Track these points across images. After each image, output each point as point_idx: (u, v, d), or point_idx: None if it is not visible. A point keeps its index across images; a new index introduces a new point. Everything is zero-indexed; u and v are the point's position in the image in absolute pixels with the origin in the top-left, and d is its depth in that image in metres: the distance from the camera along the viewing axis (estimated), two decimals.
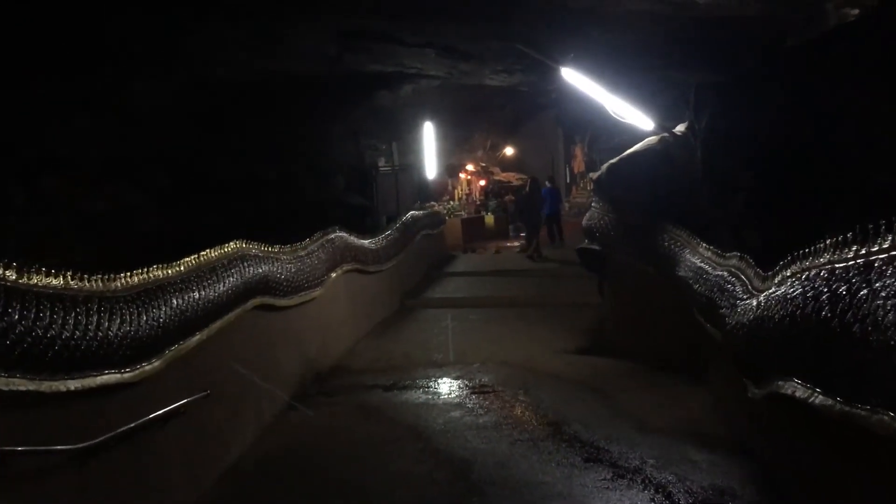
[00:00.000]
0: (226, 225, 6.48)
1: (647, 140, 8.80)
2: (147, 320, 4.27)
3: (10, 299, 3.07)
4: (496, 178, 24.25)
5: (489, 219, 21.21)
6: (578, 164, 25.53)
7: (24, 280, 3.24)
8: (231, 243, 6.08)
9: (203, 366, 5.18)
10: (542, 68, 14.18)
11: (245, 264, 6.10)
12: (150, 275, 4.59)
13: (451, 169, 22.35)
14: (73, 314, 3.49)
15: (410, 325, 11.29)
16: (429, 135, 19.20)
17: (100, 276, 3.97)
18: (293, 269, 7.39)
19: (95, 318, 3.69)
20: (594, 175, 9.23)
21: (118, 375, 3.89)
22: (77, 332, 3.48)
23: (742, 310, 4.19)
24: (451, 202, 21.28)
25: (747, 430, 4.86)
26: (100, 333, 3.69)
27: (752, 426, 4.66)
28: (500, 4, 10.84)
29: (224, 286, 5.54)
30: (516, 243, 19.59)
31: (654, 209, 7.98)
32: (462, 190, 22.73)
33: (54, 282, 3.48)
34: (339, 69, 14.47)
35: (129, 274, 4.33)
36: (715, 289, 5.16)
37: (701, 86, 7.36)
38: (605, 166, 8.93)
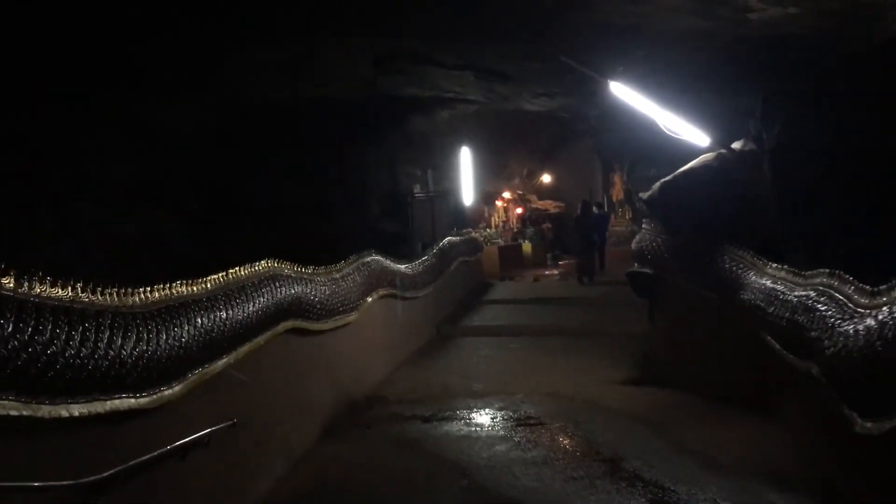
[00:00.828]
0: (257, 250, 6.19)
1: (702, 157, 8.27)
2: (167, 340, 3.85)
3: (3, 309, 2.66)
4: (533, 205, 23.79)
5: (526, 247, 20.74)
6: (617, 192, 24.97)
7: (23, 289, 2.83)
8: (262, 262, 5.69)
9: (229, 392, 4.75)
10: (583, 91, 13.78)
11: (277, 284, 5.70)
12: (173, 291, 4.19)
13: (487, 196, 21.97)
14: (80, 329, 3.07)
15: (448, 353, 10.80)
16: (466, 160, 18.83)
17: (115, 289, 3.56)
18: (327, 292, 6.98)
19: (107, 334, 3.28)
20: (645, 195, 8.70)
21: (132, 400, 3.46)
22: (84, 350, 3.06)
23: (850, 332, 3.63)
24: (488, 229, 20.85)
25: (845, 470, 4.25)
26: (111, 352, 3.27)
27: (853, 466, 4.05)
28: (541, 23, 10.48)
29: (254, 307, 5.13)
30: (555, 271, 19.07)
31: (712, 229, 7.44)
32: (499, 217, 22.29)
33: (60, 293, 3.07)
34: (374, 93, 14.22)
35: (149, 289, 3.92)
36: (799, 311, 4.60)
37: (770, 94, 6.82)
38: (657, 185, 8.40)
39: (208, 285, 4.66)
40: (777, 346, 5.36)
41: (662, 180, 8.33)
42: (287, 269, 6.13)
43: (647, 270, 8.43)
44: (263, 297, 5.34)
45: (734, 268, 6.82)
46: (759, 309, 5.77)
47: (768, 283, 5.76)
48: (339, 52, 12.23)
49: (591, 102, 16.26)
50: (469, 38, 11.62)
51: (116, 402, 3.33)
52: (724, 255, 7.07)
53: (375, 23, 10.90)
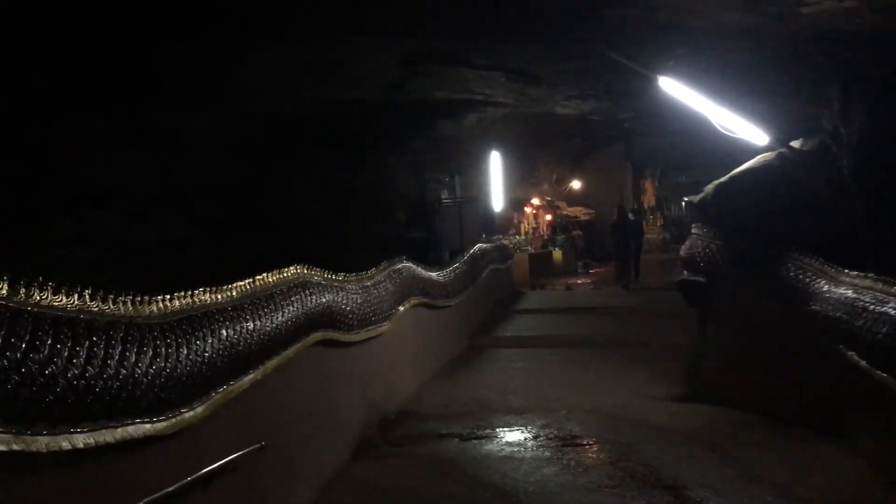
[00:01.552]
0: (278, 259, 5.83)
1: (761, 156, 7.71)
2: (189, 355, 3.39)
3: None
4: (563, 212, 23.23)
5: (557, 254, 20.18)
6: (649, 199, 24.42)
7: (20, 297, 2.38)
8: (291, 268, 5.24)
9: (257, 411, 4.29)
10: (616, 93, 13.25)
11: (307, 292, 5.23)
12: (195, 299, 3.73)
13: (515, 202, 21.46)
14: (86, 345, 2.61)
15: (481, 365, 10.30)
16: (495, 166, 18.35)
17: (130, 297, 3.11)
18: (359, 301, 6.51)
19: (118, 350, 2.82)
20: (695, 198, 8.16)
21: (147, 426, 2.99)
22: (90, 369, 2.60)
23: None
24: (517, 236, 20.33)
25: None
26: (123, 371, 2.80)
27: None
28: (576, 20, 9.99)
29: (283, 316, 4.67)
30: (587, 280, 18.53)
31: (773, 234, 6.88)
32: (528, 224, 21.76)
33: (65, 301, 2.62)
34: (400, 97, 13.80)
35: (168, 297, 3.47)
36: None
37: (849, 84, 6.25)
38: (710, 186, 7.85)
39: (234, 293, 4.20)
40: (863, 363, 4.81)
41: (717, 182, 7.77)
42: (317, 275, 5.67)
43: (700, 279, 7.87)
44: (293, 307, 4.88)
45: (801, 276, 6.26)
46: (838, 321, 5.22)
47: (849, 292, 5.21)
48: (365, 53, 11.81)
49: (624, 106, 15.70)
50: (500, 37, 11.16)
51: (129, 428, 2.86)
52: (787, 261, 6.52)
53: (402, 21, 10.47)
